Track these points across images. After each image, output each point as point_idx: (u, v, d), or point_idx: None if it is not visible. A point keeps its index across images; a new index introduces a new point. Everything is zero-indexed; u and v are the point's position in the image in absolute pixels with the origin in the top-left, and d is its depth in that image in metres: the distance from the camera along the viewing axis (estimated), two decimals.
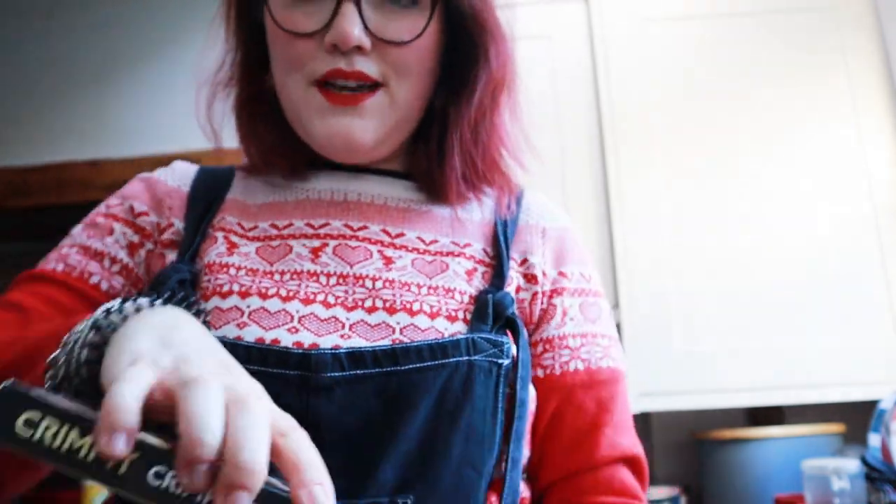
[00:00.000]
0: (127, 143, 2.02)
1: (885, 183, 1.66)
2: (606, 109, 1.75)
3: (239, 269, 0.58)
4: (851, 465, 1.28)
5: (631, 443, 0.63)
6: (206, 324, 0.51)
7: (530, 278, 0.65)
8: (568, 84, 1.78)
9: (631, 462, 0.63)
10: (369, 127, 0.59)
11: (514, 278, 0.64)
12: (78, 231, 0.63)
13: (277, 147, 0.65)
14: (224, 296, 0.55)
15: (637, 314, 1.62)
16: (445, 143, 0.64)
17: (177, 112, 2.03)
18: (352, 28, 0.55)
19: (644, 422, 1.85)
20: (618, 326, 1.61)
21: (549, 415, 0.62)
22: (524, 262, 0.65)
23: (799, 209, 1.66)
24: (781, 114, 1.71)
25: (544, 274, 0.65)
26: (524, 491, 0.60)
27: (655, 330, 1.62)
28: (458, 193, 0.64)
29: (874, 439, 1.34)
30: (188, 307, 0.47)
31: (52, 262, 0.60)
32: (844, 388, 1.55)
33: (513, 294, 0.63)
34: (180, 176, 0.67)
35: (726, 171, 1.69)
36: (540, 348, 0.64)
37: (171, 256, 0.61)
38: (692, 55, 1.77)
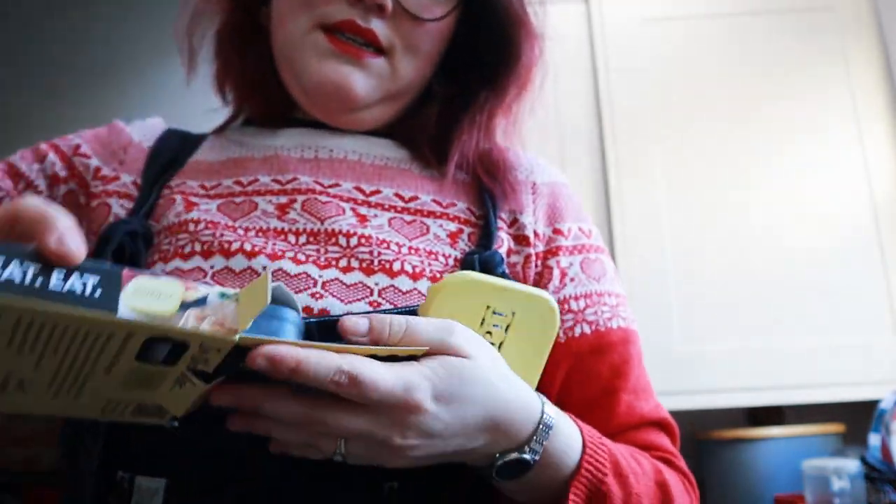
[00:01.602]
0: None
1: (886, 183, 1.66)
2: (606, 109, 1.75)
3: (198, 222, 0.53)
4: (851, 465, 1.27)
5: (652, 407, 0.58)
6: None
7: (521, 239, 0.59)
8: (568, 84, 1.78)
9: (658, 425, 0.58)
10: (366, 83, 0.57)
11: (504, 240, 0.58)
12: (21, 150, 0.61)
13: (256, 86, 0.64)
14: (185, 257, 0.51)
15: (637, 314, 1.61)
16: (456, 125, 0.62)
17: (177, 112, 2.03)
18: None
19: None
20: None
21: (558, 385, 0.57)
22: (514, 222, 0.60)
23: (799, 209, 1.66)
24: (781, 114, 1.71)
25: (536, 234, 0.60)
26: None
27: (655, 330, 1.62)
28: (450, 168, 0.61)
29: (874, 439, 1.34)
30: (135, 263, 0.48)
31: None
32: (844, 388, 1.55)
33: (503, 254, 0.57)
34: (149, 131, 0.64)
35: (726, 171, 1.69)
36: None
37: (117, 207, 0.57)
38: (692, 55, 1.77)
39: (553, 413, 0.46)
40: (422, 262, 0.53)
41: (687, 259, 1.65)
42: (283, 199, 0.56)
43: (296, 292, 0.49)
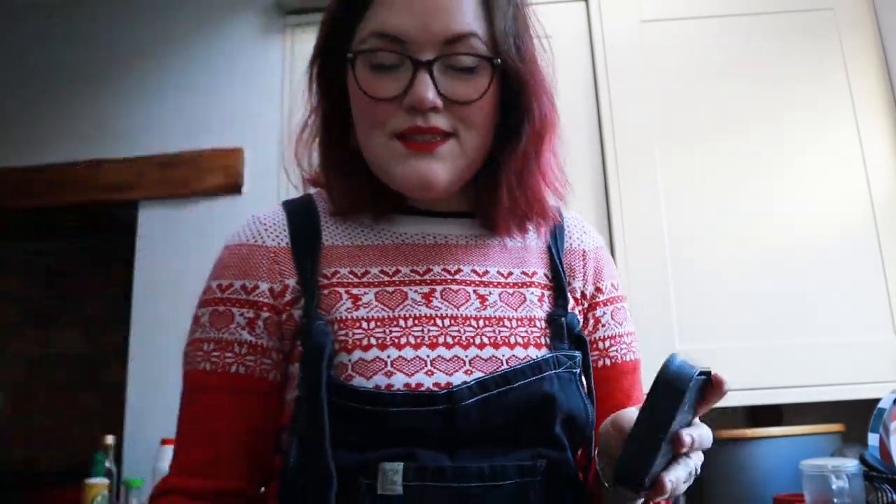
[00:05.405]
0: (127, 144, 2.02)
1: (885, 182, 1.66)
2: (606, 110, 1.75)
3: (369, 321, 0.69)
4: (850, 464, 1.28)
5: None
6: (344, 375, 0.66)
7: (575, 301, 0.78)
8: (568, 84, 1.78)
9: None
10: (442, 168, 0.69)
11: (570, 300, 0.76)
12: (205, 322, 0.72)
13: (364, 196, 0.75)
14: (365, 349, 0.67)
15: (637, 314, 1.62)
16: (497, 185, 0.74)
17: (175, 113, 2.03)
18: (426, 93, 0.66)
19: None
20: None
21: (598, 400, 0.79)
22: (569, 285, 0.78)
23: (798, 209, 1.66)
24: (780, 113, 1.72)
25: (584, 294, 0.79)
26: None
27: (655, 329, 1.62)
28: (507, 227, 0.75)
29: (873, 439, 1.34)
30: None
31: (200, 362, 0.71)
32: (844, 388, 1.55)
33: (577, 314, 0.76)
34: (273, 230, 0.74)
35: (725, 172, 1.70)
36: None
37: (297, 312, 0.71)
38: (691, 55, 1.77)
39: None
40: (526, 331, 0.72)
41: (687, 259, 1.65)
42: (426, 289, 0.72)
43: (454, 372, 0.67)
